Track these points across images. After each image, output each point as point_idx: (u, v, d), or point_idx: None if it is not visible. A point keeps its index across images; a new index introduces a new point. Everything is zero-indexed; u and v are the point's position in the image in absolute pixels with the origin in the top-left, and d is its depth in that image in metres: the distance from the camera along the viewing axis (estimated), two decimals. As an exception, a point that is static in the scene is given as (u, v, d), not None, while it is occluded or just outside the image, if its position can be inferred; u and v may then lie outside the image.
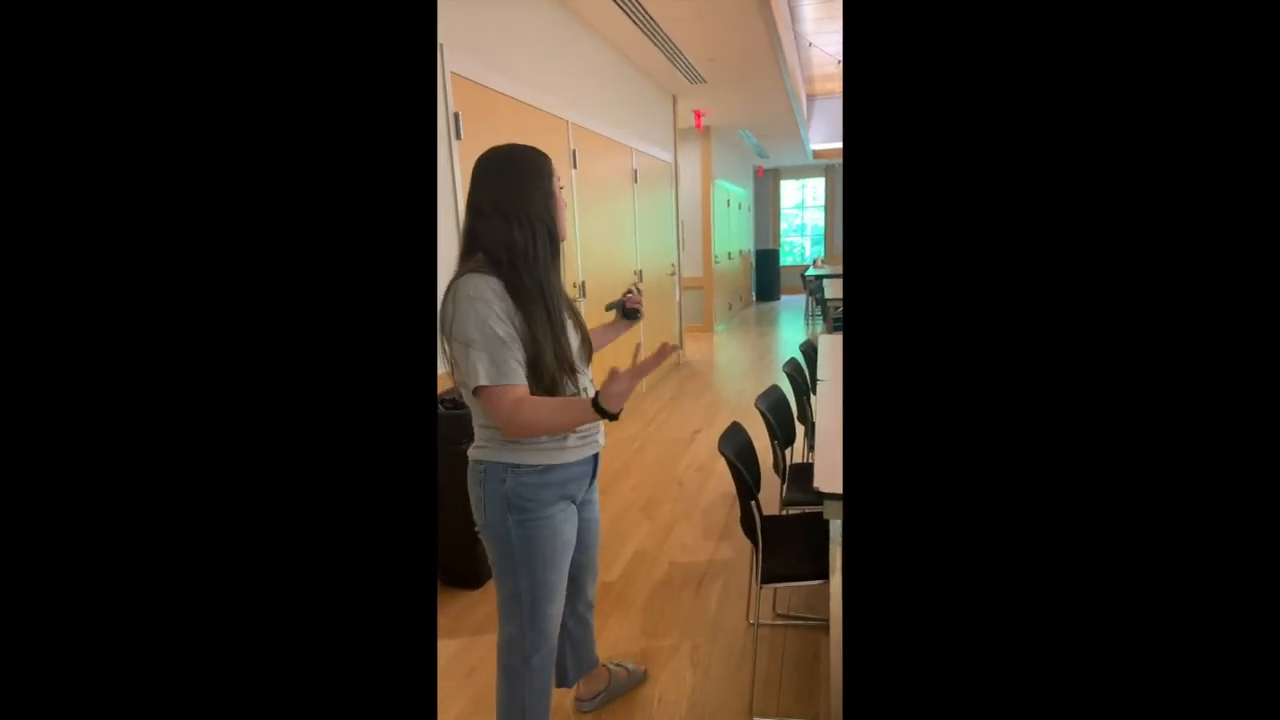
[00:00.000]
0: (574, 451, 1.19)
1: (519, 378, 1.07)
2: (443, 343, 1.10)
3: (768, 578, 1.49)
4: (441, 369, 1.21)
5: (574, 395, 1.15)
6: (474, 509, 1.21)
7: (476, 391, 1.08)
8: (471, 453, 1.20)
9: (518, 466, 1.15)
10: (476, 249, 1.11)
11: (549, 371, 1.10)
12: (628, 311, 1.41)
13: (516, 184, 1.10)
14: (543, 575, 1.20)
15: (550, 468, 1.16)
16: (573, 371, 1.14)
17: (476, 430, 1.19)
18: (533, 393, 1.09)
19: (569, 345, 1.15)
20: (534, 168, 1.12)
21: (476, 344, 1.04)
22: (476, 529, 1.22)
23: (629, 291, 1.42)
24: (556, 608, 1.25)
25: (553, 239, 1.14)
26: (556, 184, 1.15)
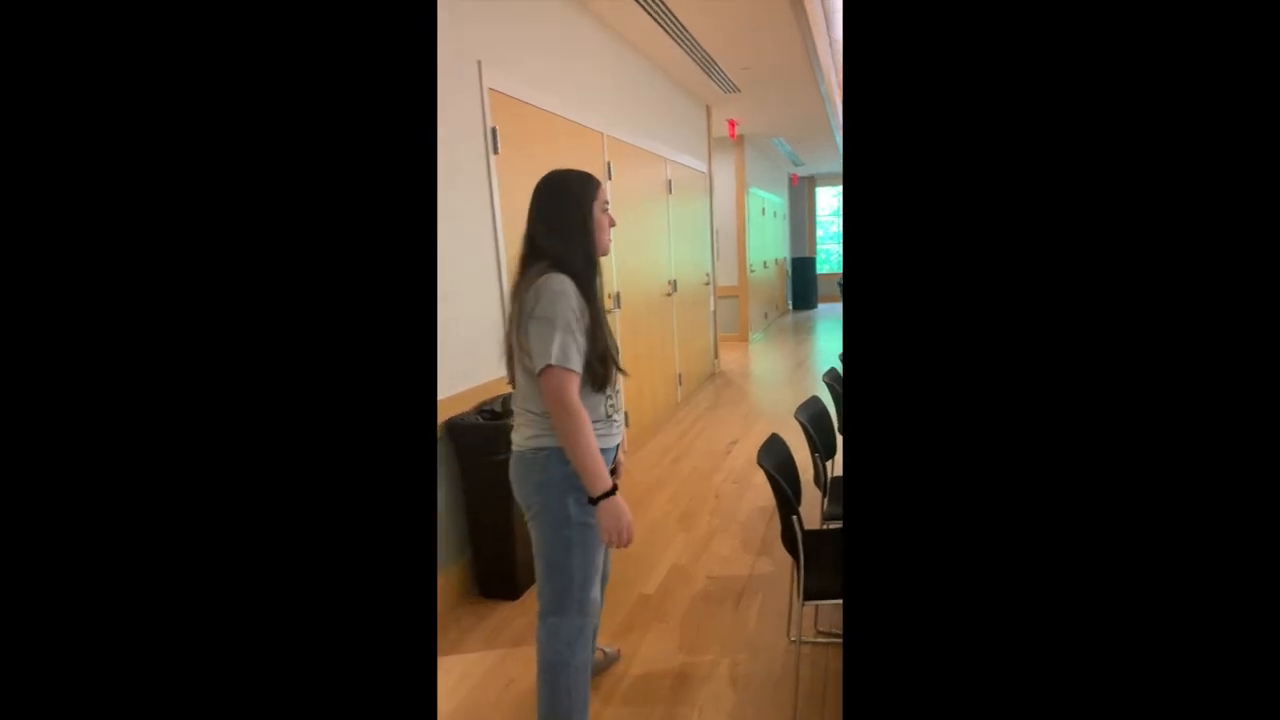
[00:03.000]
0: (609, 439, 1.32)
1: (576, 365, 1.20)
2: (516, 329, 1.23)
3: (810, 594, 1.45)
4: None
5: (616, 393, 1.33)
6: (527, 495, 1.28)
7: (542, 370, 1.18)
8: (526, 441, 1.28)
9: None
10: (541, 255, 1.26)
11: (605, 363, 1.25)
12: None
13: (562, 205, 1.28)
14: (593, 558, 1.30)
15: (602, 451, 1.27)
16: (619, 369, 1.29)
17: (533, 419, 1.27)
18: (590, 380, 1.24)
19: (615, 345, 1.30)
20: (577, 191, 1.29)
21: (556, 326, 1.18)
22: (529, 517, 1.29)
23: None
24: (598, 592, 1.36)
25: (588, 254, 1.28)
26: (599, 205, 1.30)
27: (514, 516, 2.10)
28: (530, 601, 2.15)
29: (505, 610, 2.12)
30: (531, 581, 2.23)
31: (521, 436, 1.29)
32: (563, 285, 1.20)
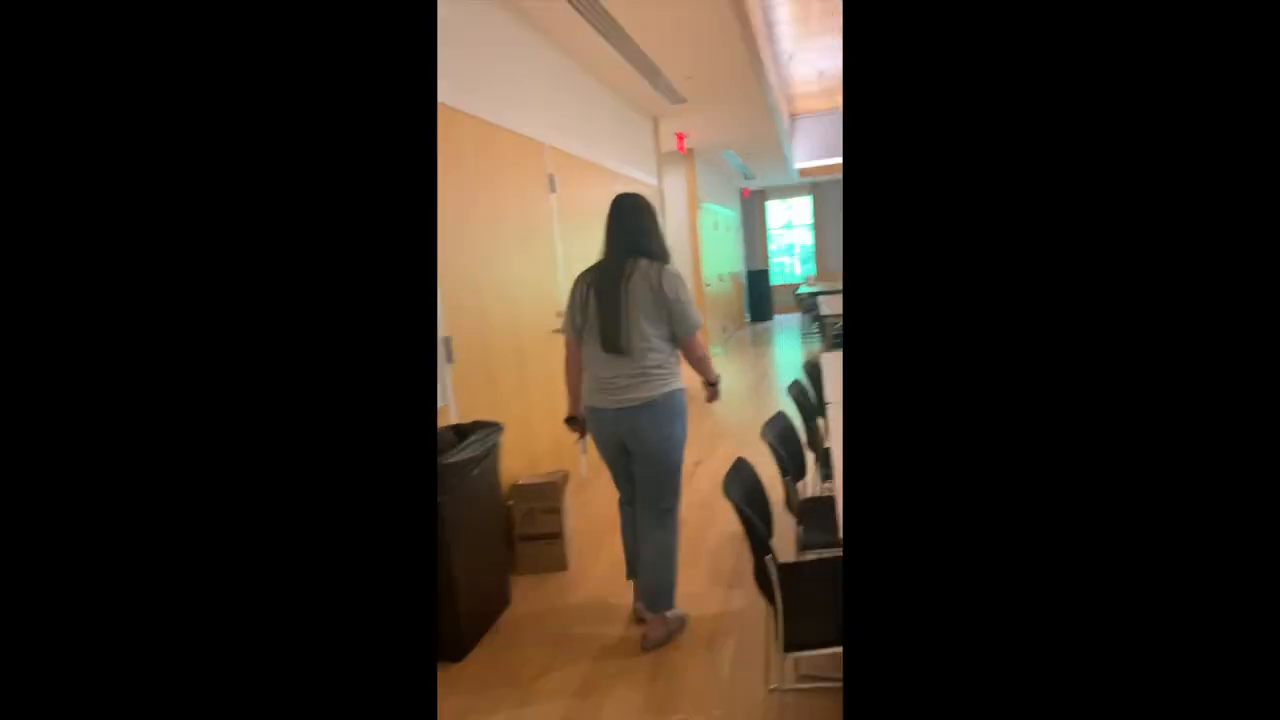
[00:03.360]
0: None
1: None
2: (659, 303, 1.78)
3: (792, 644, 1.26)
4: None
5: None
6: (664, 428, 1.81)
7: (691, 332, 1.82)
8: (661, 387, 1.80)
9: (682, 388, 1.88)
10: (637, 255, 1.81)
11: None
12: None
13: (650, 219, 1.88)
14: None
15: None
16: None
17: (666, 373, 1.82)
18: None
19: None
20: (650, 210, 1.90)
21: (693, 303, 1.81)
22: (657, 450, 1.82)
23: None
24: None
25: (666, 254, 1.87)
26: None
27: (455, 562, 1.85)
28: (475, 667, 1.90)
29: (446, 676, 1.86)
30: (479, 640, 1.98)
31: (653, 388, 1.78)
32: (679, 272, 1.79)
